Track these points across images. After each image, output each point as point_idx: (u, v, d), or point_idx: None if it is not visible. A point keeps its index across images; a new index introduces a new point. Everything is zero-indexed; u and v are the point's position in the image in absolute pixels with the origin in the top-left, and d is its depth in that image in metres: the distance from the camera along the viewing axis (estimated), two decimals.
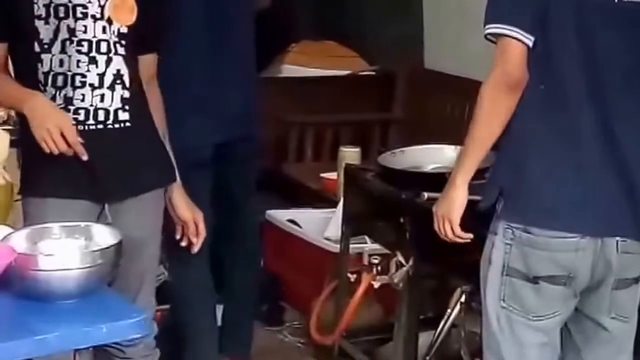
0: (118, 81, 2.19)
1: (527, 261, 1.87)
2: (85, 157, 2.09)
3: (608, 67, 1.86)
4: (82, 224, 1.78)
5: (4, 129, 2.67)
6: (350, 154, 3.71)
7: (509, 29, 1.84)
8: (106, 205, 2.20)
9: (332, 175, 3.80)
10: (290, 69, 4.73)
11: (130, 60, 2.21)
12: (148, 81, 2.29)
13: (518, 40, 1.83)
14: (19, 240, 1.70)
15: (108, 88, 2.17)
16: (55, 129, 2.04)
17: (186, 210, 2.38)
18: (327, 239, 3.38)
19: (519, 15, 1.84)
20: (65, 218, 1.98)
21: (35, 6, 2.15)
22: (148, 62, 2.29)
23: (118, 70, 2.18)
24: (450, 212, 1.98)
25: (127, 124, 2.20)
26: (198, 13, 2.82)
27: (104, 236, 1.74)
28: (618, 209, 1.87)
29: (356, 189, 2.89)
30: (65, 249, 1.70)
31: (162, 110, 2.34)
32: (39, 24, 2.16)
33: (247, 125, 2.94)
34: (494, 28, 1.86)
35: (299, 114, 4.44)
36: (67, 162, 2.09)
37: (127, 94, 2.19)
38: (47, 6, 2.15)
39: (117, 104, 2.19)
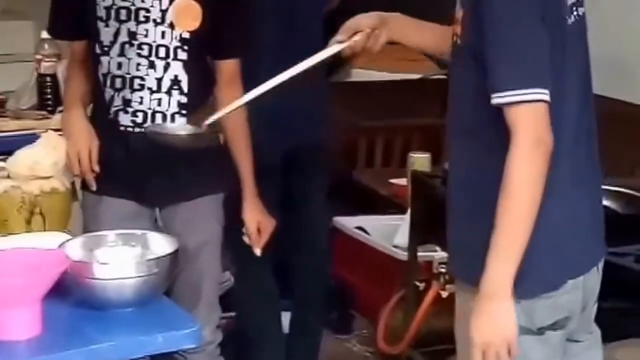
0: (175, 87, 2.17)
1: (531, 314, 1.66)
2: (93, 188, 2.10)
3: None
4: (139, 231, 1.77)
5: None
6: (419, 160, 3.65)
7: (540, 93, 1.58)
8: (157, 210, 2.20)
9: (402, 181, 3.74)
10: (359, 73, 4.69)
11: (192, 66, 2.18)
12: (225, 86, 2.25)
13: (546, 102, 1.59)
14: (75, 248, 1.69)
15: (165, 93, 2.16)
16: (73, 154, 2.06)
17: (248, 214, 2.34)
18: (395, 246, 3.33)
19: (543, 72, 1.59)
20: (117, 217, 1.99)
21: (98, 7, 2.16)
22: (223, 68, 2.25)
23: (176, 76, 2.17)
24: (506, 333, 1.60)
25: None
26: (266, 15, 2.80)
27: (161, 244, 1.72)
28: (592, 232, 1.72)
29: (424, 196, 2.83)
30: (121, 257, 1.68)
31: (238, 118, 2.28)
32: (100, 25, 2.17)
33: (316, 131, 2.91)
34: (522, 95, 1.56)
35: (369, 119, 4.39)
36: (120, 163, 2.09)
37: (184, 99, 2.17)
38: (108, 8, 2.15)
39: (174, 108, 2.17)
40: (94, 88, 2.24)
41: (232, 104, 2.03)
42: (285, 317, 3.02)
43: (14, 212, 1.85)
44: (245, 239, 2.40)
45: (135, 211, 2.19)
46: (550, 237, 1.65)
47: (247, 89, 2.72)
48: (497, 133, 1.63)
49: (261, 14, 2.81)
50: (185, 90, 2.18)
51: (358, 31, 1.86)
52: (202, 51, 2.20)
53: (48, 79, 3.10)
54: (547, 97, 1.58)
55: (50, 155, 1.91)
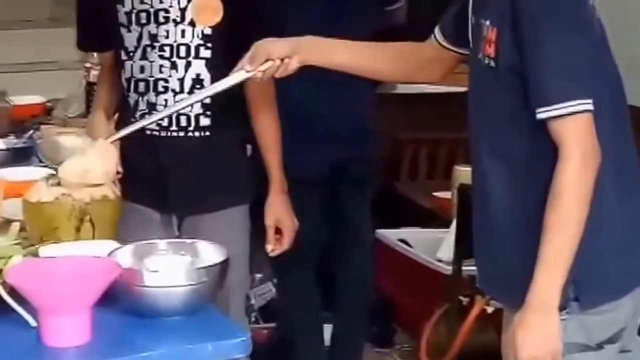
0: (197, 86, 2.17)
1: (590, 330, 1.66)
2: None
3: None
4: (189, 240, 1.79)
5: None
6: (464, 173, 3.63)
7: (585, 103, 1.58)
8: (175, 218, 2.21)
9: (446, 194, 3.74)
10: (404, 85, 4.69)
11: (215, 64, 2.16)
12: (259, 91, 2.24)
13: (590, 112, 1.60)
14: (125, 256, 1.71)
15: (188, 93, 2.16)
16: None
17: (269, 209, 2.30)
18: (439, 260, 3.32)
19: (586, 82, 1.60)
20: (144, 225, 2.00)
21: (119, 14, 2.18)
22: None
23: (197, 75, 2.17)
24: (552, 346, 1.59)
25: (208, 132, 2.18)
26: (313, 24, 2.82)
27: (210, 253, 1.73)
28: None
29: (470, 209, 2.81)
30: (171, 265, 1.70)
31: (267, 112, 2.27)
32: (123, 31, 2.19)
33: (364, 144, 2.92)
34: (568, 107, 1.57)
35: (413, 131, 4.39)
36: (147, 169, 2.10)
37: (208, 99, 2.16)
38: (128, 14, 2.18)
39: (198, 109, 2.17)
40: (119, 95, 2.27)
41: (133, 125, 2.06)
42: (327, 330, 3.03)
43: (64, 219, 1.87)
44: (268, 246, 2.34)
45: (160, 220, 2.21)
46: (615, 244, 1.64)
47: (293, 104, 2.77)
48: (539, 152, 1.63)
49: (305, 25, 2.84)
50: None
51: (268, 59, 1.84)
52: (225, 47, 2.16)
53: (96, 87, 3.15)
54: (591, 107, 1.59)
55: (101, 163, 1.94)
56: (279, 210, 2.29)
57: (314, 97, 2.81)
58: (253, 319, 3.23)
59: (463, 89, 5.00)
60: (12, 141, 2.72)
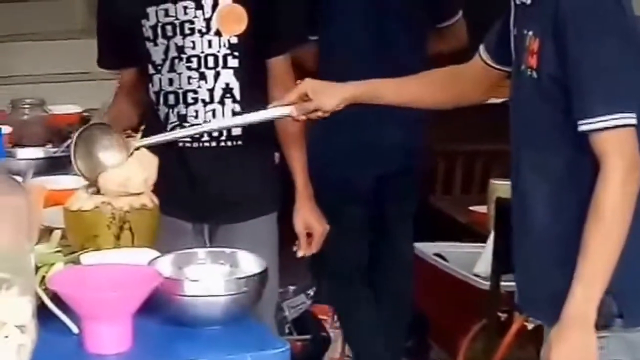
0: (227, 95, 2.19)
1: (634, 348, 1.65)
2: None
3: None
4: (228, 250, 1.80)
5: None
6: (501, 187, 3.61)
7: (629, 117, 1.58)
8: (206, 228, 2.22)
9: (482, 208, 3.72)
10: None
11: (243, 73, 2.18)
12: (276, 84, 2.24)
13: (633, 126, 1.60)
14: (165, 265, 1.73)
15: (218, 103, 2.19)
16: None
17: (297, 215, 2.31)
18: (476, 275, 3.31)
19: (630, 95, 1.59)
20: (175, 234, 2.03)
21: (144, 29, 2.19)
22: (272, 66, 2.25)
23: (227, 84, 2.19)
24: None
25: (239, 141, 2.20)
26: (355, 23, 2.84)
27: (249, 263, 1.75)
28: None
29: (508, 224, 2.81)
30: (210, 275, 1.72)
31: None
32: (149, 46, 2.22)
33: (407, 157, 2.92)
34: (611, 120, 1.57)
35: (448, 144, 4.38)
36: (178, 180, 2.11)
37: (238, 108, 2.19)
38: (154, 27, 2.20)
39: (229, 115, 2.21)
40: (145, 109, 2.28)
41: (166, 135, 2.07)
42: None
43: (104, 227, 1.89)
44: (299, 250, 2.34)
45: (190, 229, 2.23)
46: None
47: (335, 116, 2.78)
48: (580, 166, 1.63)
49: (349, 40, 2.87)
50: (238, 97, 2.21)
51: (306, 96, 1.90)
52: (252, 55, 2.19)
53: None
54: (634, 120, 1.59)
55: (141, 172, 1.96)
56: (307, 216, 2.31)
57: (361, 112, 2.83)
58: (287, 331, 3.24)
59: (499, 101, 4.98)
60: (50, 150, 2.76)
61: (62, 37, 5.09)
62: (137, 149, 1.97)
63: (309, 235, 2.32)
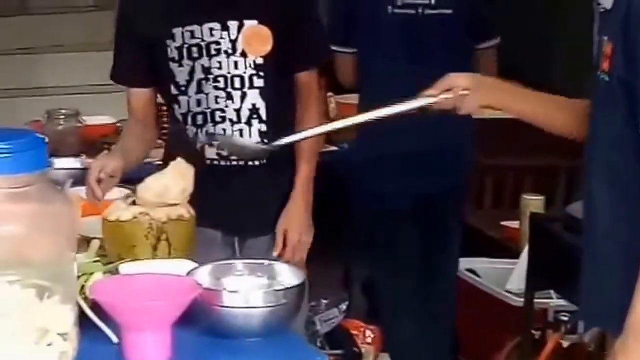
0: (254, 116, 2.21)
1: None
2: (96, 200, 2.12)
3: None
4: (266, 262, 1.81)
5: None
6: (534, 203, 3.62)
7: None
8: (236, 240, 2.26)
9: (514, 224, 3.71)
10: None
11: (270, 93, 2.20)
12: (304, 100, 2.26)
13: None
14: (203, 276, 1.74)
15: (245, 123, 2.21)
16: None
17: (280, 225, 2.30)
18: (508, 291, 3.30)
19: None
20: (206, 244, 2.05)
21: (169, 49, 2.21)
22: (299, 82, 2.26)
23: (254, 105, 2.21)
24: None
25: (264, 160, 2.21)
26: (393, 44, 2.85)
27: (287, 276, 1.76)
28: None
29: (543, 240, 2.81)
30: (250, 286, 1.73)
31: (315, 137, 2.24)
32: (174, 66, 2.22)
33: (454, 175, 2.93)
34: None
35: (479, 158, 4.38)
36: (207, 196, 2.10)
37: (264, 128, 2.21)
38: (179, 49, 2.21)
39: (256, 138, 2.22)
40: (172, 128, 2.29)
41: (313, 130, 2.07)
42: None
43: (142, 238, 1.91)
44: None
45: (220, 240, 2.26)
46: None
47: (378, 131, 2.81)
48: None
49: (389, 42, 2.88)
50: (265, 118, 2.22)
51: (450, 88, 1.86)
52: (278, 75, 2.21)
53: (165, 108, 3.21)
54: None
55: (178, 183, 1.98)
56: (289, 223, 2.29)
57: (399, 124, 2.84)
58: (319, 345, 3.24)
59: None
60: (87, 161, 2.79)
61: (96, 49, 5.15)
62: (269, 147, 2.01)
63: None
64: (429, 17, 2.90)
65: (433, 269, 2.99)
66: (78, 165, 2.72)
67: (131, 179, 2.34)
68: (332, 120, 3.72)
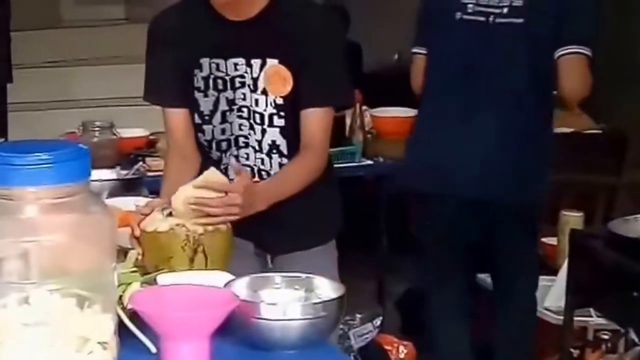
0: (274, 151, 2.24)
1: None
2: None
3: None
4: (303, 275, 1.83)
5: None
6: (573, 219, 3.61)
7: None
8: (269, 256, 2.29)
9: (552, 240, 3.70)
10: None
11: (290, 130, 2.22)
12: (307, 142, 2.20)
13: None
14: (240, 288, 1.76)
15: (266, 154, 2.24)
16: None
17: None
18: (546, 309, 3.29)
19: None
20: (238, 255, 2.06)
21: (195, 78, 2.24)
22: (306, 116, 2.20)
23: (273, 141, 2.24)
24: None
25: None
26: (460, 62, 2.87)
27: (325, 289, 1.77)
28: None
29: (583, 257, 2.80)
30: (287, 298, 1.75)
31: (301, 182, 2.21)
32: (199, 96, 2.25)
33: (528, 187, 2.93)
34: None
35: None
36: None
37: (285, 161, 2.24)
38: (206, 79, 2.23)
39: (276, 168, 2.25)
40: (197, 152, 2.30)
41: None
42: None
43: (178, 249, 1.94)
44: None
45: (253, 251, 2.30)
46: None
47: (432, 135, 2.83)
48: None
49: (453, 48, 2.91)
50: (285, 152, 2.25)
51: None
52: (298, 115, 2.21)
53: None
54: None
55: (212, 193, 2.01)
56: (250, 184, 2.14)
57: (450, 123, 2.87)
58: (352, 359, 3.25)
59: (568, 130, 4.97)
60: (121, 172, 2.83)
61: (128, 62, 5.22)
62: None
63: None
64: (499, 26, 2.88)
65: (503, 296, 3.02)
66: (113, 177, 2.76)
67: (157, 191, 2.38)
68: (368, 133, 3.75)
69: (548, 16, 2.87)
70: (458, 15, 2.91)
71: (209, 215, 1.99)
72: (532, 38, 2.87)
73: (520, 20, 2.87)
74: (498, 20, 2.88)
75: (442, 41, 2.96)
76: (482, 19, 2.89)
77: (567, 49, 2.86)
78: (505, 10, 2.87)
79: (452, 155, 2.89)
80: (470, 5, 2.89)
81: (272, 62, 2.20)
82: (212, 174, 2.09)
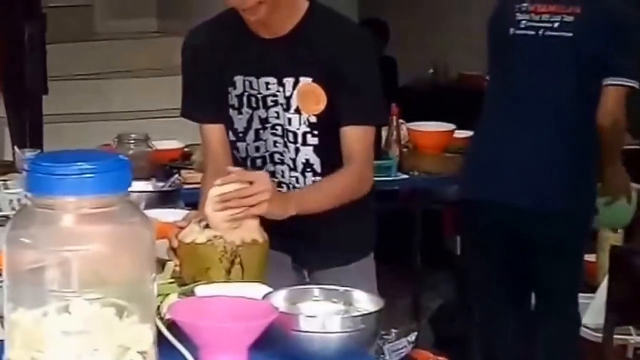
0: (308, 169, 2.24)
1: None
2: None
3: None
4: (342, 288, 1.83)
5: None
6: (612, 236, 3.59)
7: None
8: (306, 271, 2.30)
9: (591, 257, 3.67)
10: None
11: (324, 149, 2.22)
12: (347, 159, 2.20)
13: None
14: (279, 300, 1.77)
15: (300, 173, 2.25)
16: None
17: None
18: (585, 326, 3.26)
19: None
20: (275, 268, 2.06)
21: (229, 96, 2.25)
22: (346, 134, 2.19)
23: (307, 160, 2.24)
24: None
25: None
26: (512, 78, 2.93)
27: (364, 302, 1.78)
28: None
29: (623, 274, 2.78)
30: (326, 311, 1.75)
31: (336, 196, 2.19)
32: (233, 113, 2.26)
33: (560, 198, 2.95)
34: None
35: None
36: (275, 228, 2.08)
37: (319, 179, 2.24)
38: (239, 96, 2.24)
39: (310, 178, 2.26)
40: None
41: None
42: None
43: (216, 261, 1.95)
44: None
45: (290, 264, 2.31)
46: None
47: (480, 155, 2.85)
48: None
49: (506, 63, 2.96)
50: (319, 171, 2.25)
51: None
52: (332, 133, 2.21)
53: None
54: None
55: (237, 186, 2.02)
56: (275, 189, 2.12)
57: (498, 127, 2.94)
58: None
59: None
60: (158, 184, 2.85)
61: (162, 74, 5.28)
62: None
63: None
64: (548, 39, 2.95)
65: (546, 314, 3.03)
66: (149, 188, 2.78)
67: (192, 203, 2.40)
68: (404, 147, 3.77)
69: (598, 38, 2.92)
70: (511, 30, 2.99)
71: (238, 207, 1.96)
72: (579, 54, 2.92)
73: (569, 35, 2.92)
74: (547, 33, 2.94)
75: (497, 58, 3.04)
76: (532, 32, 2.96)
77: (615, 80, 2.93)
78: (556, 24, 2.93)
79: (504, 165, 2.93)
80: (523, 21, 2.98)
81: (305, 81, 2.20)
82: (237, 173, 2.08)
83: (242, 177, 2.02)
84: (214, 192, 2.02)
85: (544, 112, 2.94)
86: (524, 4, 2.98)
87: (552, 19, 2.93)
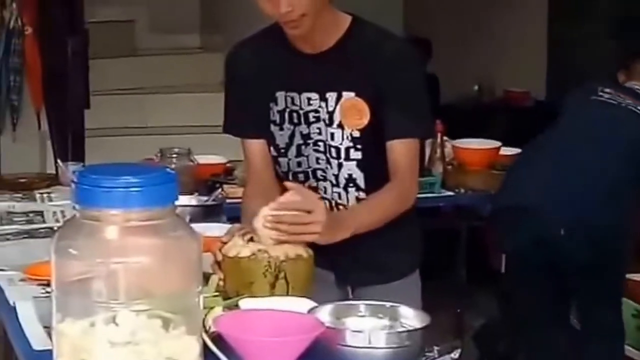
0: (351, 184, 2.25)
1: None
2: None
3: None
4: (388, 304, 1.84)
5: None
6: None
7: None
8: (350, 288, 2.31)
9: (637, 276, 3.64)
10: None
11: (367, 164, 2.22)
12: (393, 174, 2.20)
13: None
14: (324, 315, 1.78)
15: (343, 188, 2.25)
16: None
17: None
18: (629, 345, 3.24)
19: None
20: (319, 285, 2.05)
21: (271, 112, 2.26)
22: (392, 149, 2.20)
23: (350, 175, 2.24)
24: None
25: None
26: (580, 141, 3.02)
27: (410, 318, 1.78)
28: None
29: None
30: (373, 327, 1.76)
31: (385, 213, 2.20)
32: (274, 129, 2.27)
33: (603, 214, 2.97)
34: None
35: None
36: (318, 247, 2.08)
37: (362, 195, 2.24)
38: (281, 112, 2.26)
39: (353, 201, 2.26)
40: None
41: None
42: None
43: (259, 275, 1.96)
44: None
45: (334, 281, 2.32)
46: None
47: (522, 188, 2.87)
48: None
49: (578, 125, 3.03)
50: (362, 186, 2.25)
51: None
52: (376, 148, 2.21)
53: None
54: None
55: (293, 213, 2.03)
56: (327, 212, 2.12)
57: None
58: None
59: None
60: (202, 198, 2.88)
61: (203, 90, 5.33)
62: None
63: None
64: (623, 109, 3.12)
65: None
66: (193, 202, 2.81)
67: (235, 217, 2.42)
68: (448, 164, 3.77)
69: None
70: (592, 97, 3.19)
71: (287, 233, 1.99)
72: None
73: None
74: (630, 107, 3.14)
75: (571, 119, 3.21)
76: (613, 102, 3.15)
77: None
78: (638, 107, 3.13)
79: (548, 180, 2.96)
80: (606, 96, 3.17)
81: (348, 95, 2.21)
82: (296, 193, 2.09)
83: (300, 207, 2.02)
84: (268, 210, 2.03)
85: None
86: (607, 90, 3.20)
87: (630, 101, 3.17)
